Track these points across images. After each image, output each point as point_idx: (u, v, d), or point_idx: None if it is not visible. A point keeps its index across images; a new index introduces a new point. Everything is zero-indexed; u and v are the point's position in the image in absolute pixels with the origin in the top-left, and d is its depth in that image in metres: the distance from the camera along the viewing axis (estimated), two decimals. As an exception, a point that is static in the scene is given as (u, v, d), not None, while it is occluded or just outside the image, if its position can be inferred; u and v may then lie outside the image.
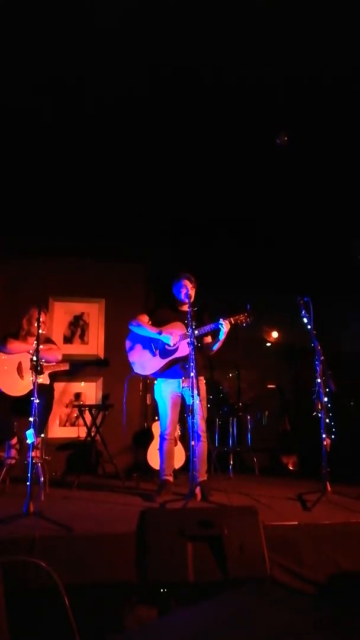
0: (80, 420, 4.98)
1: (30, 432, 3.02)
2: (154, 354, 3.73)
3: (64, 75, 3.41)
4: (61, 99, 3.67)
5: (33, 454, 3.08)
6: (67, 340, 5.40)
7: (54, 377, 4.10)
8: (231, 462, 4.61)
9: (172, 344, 3.63)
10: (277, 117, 3.89)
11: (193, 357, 3.37)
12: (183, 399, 3.70)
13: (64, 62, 3.30)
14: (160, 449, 3.72)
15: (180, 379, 3.64)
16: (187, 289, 3.77)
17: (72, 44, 3.15)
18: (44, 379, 3.86)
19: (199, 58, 3.28)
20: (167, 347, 3.69)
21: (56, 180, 4.70)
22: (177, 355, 3.63)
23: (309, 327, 3.81)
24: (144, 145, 4.24)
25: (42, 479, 3.59)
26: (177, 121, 3.96)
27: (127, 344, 3.83)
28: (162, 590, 2.15)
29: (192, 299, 3.77)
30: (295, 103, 3.73)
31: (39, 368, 3.12)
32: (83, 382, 5.29)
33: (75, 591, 1.87)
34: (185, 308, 3.68)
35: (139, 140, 4.19)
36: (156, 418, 4.76)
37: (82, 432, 4.99)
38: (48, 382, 3.92)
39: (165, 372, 3.69)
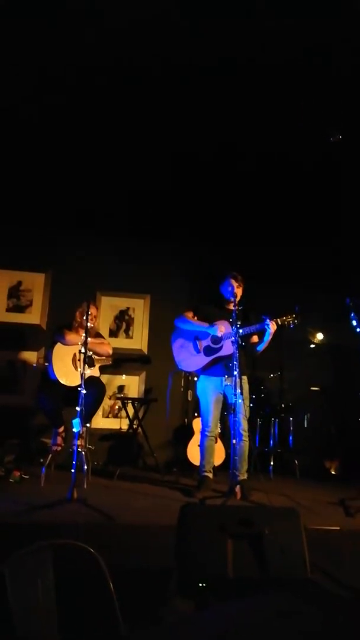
0: (123, 412, 5.09)
1: (76, 421, 3.11)
2: (198, 351, 3.76)
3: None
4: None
5: (78, 442, 3.18)
6: (113, 333, 5.52)
7: (101, 370, 4.21)
8: (272, 463, 4.58)
9: (219, 334, 3.64)
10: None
11: (237, 355, 3.38)
12: (225, 397, 3.71)
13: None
14: (201, 445, 3.74)
15: (223, 377, 3.65)
16: (233, 287, 3.78)
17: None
18: (94, 371, 3.97)
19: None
20: (211, 345, 3.70)
21: (102, 178, 4.79)
22: (221, 353, 3.64)
23: (358, 329, 3.72)
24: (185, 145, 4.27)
25: (86, 467, 3.70)
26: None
27: (173, 340, 3.89)
28: (200, 584, 2.18)
29: (238, 298, 3.77)
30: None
31: (89, 360, 3.22)
32: (125, 375, 5.38)
33: (114, 579, 1.93)
34: (231, 307, 3.68)
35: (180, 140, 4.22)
36: (196, 415, 4.79)
37: (124, 424, 5.10)
38: (98, 375, 4.03)
39: (209, 369, 3.71)
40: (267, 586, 2.09)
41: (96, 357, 4.05)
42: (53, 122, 4.04)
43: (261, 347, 3.68)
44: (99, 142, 4.29)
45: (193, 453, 4.47)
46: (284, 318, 3.58)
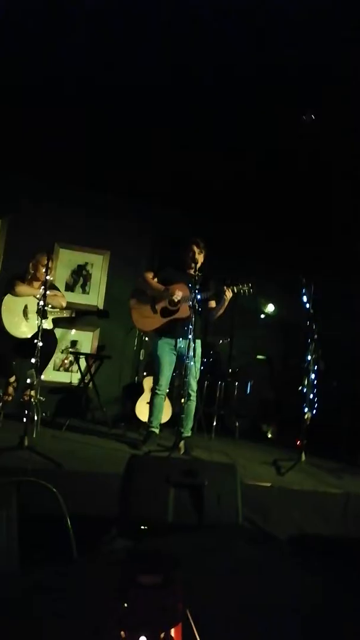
0: (74, 367, 5.17)
1: (31, 372, 3.17)
2: (155, 312, 3.86)
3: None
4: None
5: (30, 392, 3.25)
6: (69, 287, 5.51)
7: (55, 322, 4.23)
8: (214, 423, 4.84)
9: (175, 299, 3.74)
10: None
11: (193, 319, 3.52)
12: (179, 358, 3.85)
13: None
14: (151, 402, 3.91)
15: (179, 339, 3.78)
16: (195, 253, 3.88)
17: None
18: (47, 324, 4.00)
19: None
20: (169, 307, 3.81)
21: (71, 129, 4.66)
22: (177, 315, 3.76)
23: (307, 306, 3.95)
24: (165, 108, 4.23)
25: (36, 417, 3.77)
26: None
27: (132, 299, 3.96)
28: (141, 527, 2.37)
29: (198, 264, 3.87)
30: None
31: (44, 313, 3.25)
32: (76, 330, 5.41)
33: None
34: (191, 272, 3.80)
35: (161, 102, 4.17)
36: (145, 374, 4.94)
37: (75, 379, 5.19)
38: (51, 327, 4.06)
39: (165, 331, 3.83)
40: (202, 531, 2.31)
41: (50, 310, 4.06)
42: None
43: (217, 313, 3.83)
44: (62, 91, 4.16)
45: (141, 409, 4.65)
46: (239, 286, 3.72)
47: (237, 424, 4.90)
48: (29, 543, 1.36)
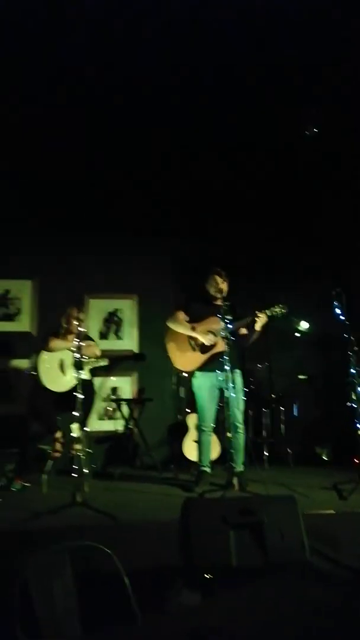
0: (117, 414, 5.16)
1: (74, 426, 3.18)
2: (194, 349, 3.83)
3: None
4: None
5: (77, 446, 3.25)
6: (103, 336, 5.57)
7: (93, 372, 4.26)
8: (266, 453, 4.69)
9: (208, 344, 3.72)
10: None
11: (228, 351, 3.47)
12: (220, 391, 3.79)
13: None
14: (199, 440, 3.83)
15: (218, 372, 3.73)
16: (218, 283, 3.87)
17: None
18: (85, 375, 4.04)
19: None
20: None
21: (81, 181, 4.78)
22: (217, 349, 3.71)
23: (341, 317, 3.85)
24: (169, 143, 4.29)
25: (86, 470, 3.75)
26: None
27: (168, 340, 3.94)
28: (206, 575, 2.27)
29: (224, 293, 3.85)
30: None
31: (79, 364, 3.28)
32: (116, 377, 5.43)
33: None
34: (219, 302, 3.77)
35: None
36: (187, 410, 4.87)
37: (119, 425, 5.17)
38: (89, 378, 4.10)
39: (205, 366, 3.78)
40: (270, 572, 2.19)
41: (85, 361, 4.09)
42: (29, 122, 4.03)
43: (251, 339, 3.77)
44: (75, 143, 4.28)
45: (189, 449, 4.57)
46: (273, 309, 3.67)
47: (289, 450, 4.73)
48: (89, 608, 1.32)
